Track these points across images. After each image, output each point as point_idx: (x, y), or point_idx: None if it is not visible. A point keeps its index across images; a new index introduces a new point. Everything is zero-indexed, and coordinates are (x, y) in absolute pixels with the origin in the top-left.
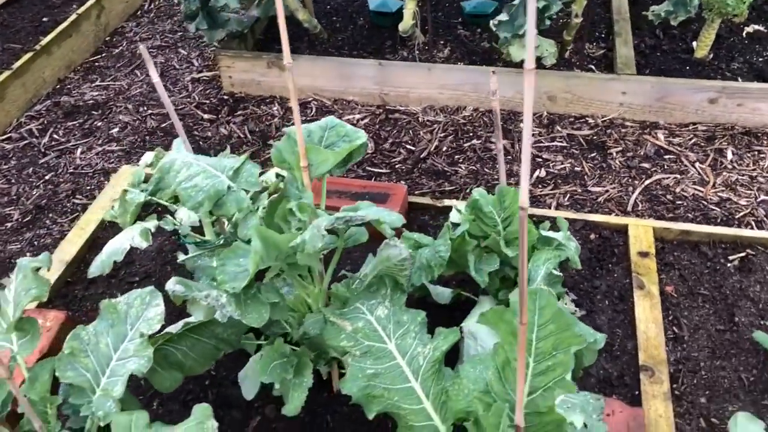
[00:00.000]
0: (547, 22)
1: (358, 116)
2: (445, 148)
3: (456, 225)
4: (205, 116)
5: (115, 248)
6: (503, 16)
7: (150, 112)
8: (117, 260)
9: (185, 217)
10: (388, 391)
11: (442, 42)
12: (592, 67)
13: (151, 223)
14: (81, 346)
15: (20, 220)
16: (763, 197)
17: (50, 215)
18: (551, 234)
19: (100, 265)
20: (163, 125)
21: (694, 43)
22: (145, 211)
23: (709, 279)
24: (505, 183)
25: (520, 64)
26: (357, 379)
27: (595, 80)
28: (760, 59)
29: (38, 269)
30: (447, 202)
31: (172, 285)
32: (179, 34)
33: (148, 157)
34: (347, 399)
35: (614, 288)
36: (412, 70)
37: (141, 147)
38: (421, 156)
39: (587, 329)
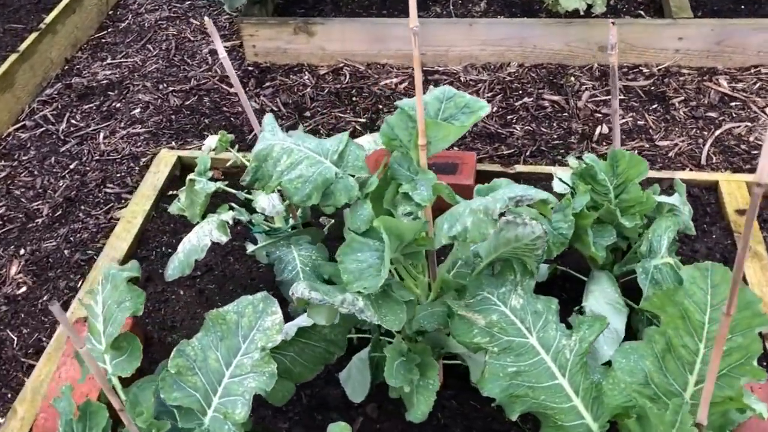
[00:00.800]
0: None
1: (395, 80)
2: (495, 109)
3: (560, 195)
4: (232, 90)
5: (193, 245)
6: None
7: (171, 89)
8: (198, 259)
9: (267, 205)
10: (533, 390)
11: None
12: (641, 12)
13: (228, 215)
14: (188, 363)
15: (51, 214)
16: None
17: (82, 207)
18: (666, 199)
19: (179, 266)
20: (188, 102)
21: None
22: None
23: None
24: (619, 146)
25: (565, 15)
26: (498, 378)
27: (650, 27)
28: None
29: (131, 279)
30: (518, 168)
31: (303, 291)
32: (188, 2)
33: (212, 141)
34: (453, 393)
35: (715, 251)
36: (451, 27)
37: (168, 128)
38: None
39: None
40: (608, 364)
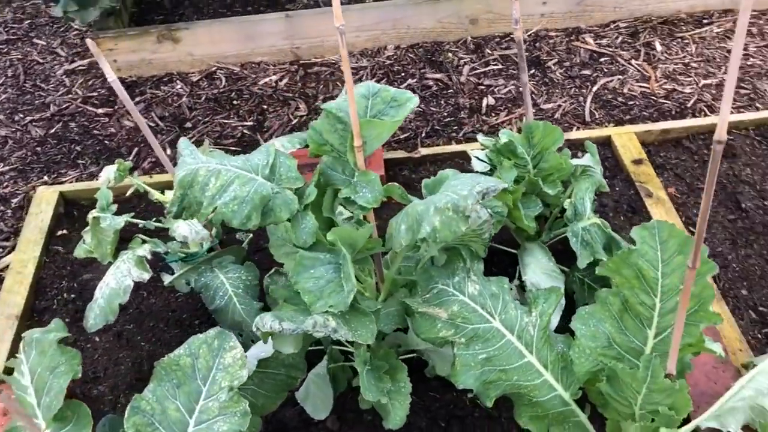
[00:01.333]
0: None
1: (274, 77)
2: None
3: (482, 174)
4: (99, 111)
5: (113, 289)
6: None
7: (29, 119)
8: (121, 303)
9: (189, 233)
10: (505, 372)
11: None
12: None
13: (144, 248)
14: (145, 420)
15: None
16: (703, 81)
17: None
18: (581, 161)
19: (101, 313)
20: (52, 131)
21: None
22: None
23: (701, 172)
24: (532, 118)
25: None
26: (470, 368)
27: None
28: None
29: (61, 340)
30: (423, 151)
31: (272, 324)
32: (27, 22)
33: (109, 171)
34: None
35: (622, 202)
36: (324, 17)
37: (36, 161)
38: None
39: None
40: (569, 332)
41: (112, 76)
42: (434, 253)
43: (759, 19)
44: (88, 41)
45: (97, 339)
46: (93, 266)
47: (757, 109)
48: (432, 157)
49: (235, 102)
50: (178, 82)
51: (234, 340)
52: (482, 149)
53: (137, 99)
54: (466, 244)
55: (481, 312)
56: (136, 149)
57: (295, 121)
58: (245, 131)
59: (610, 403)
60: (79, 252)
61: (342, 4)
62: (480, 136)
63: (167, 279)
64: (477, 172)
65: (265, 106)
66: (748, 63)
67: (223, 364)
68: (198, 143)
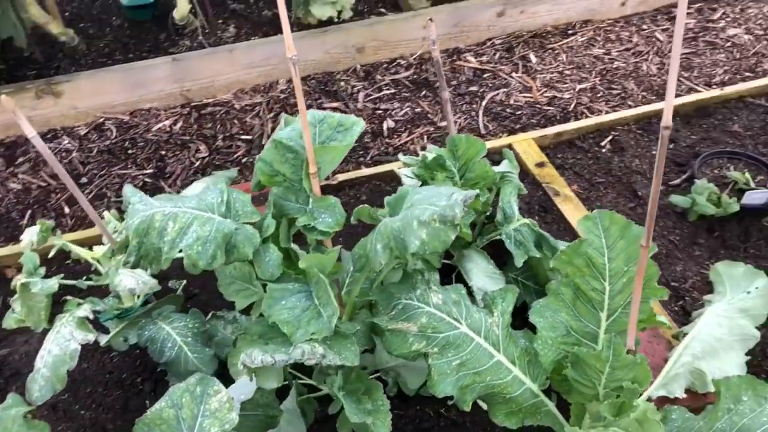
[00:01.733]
0: None
1: (167, 122)
2: None
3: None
4: None
5: (58, 356)
6: None
7: None
8: (69, 369)
9: (136, 284)
10: (479, 375)
11: (221, 21)
12: (383, 10)
13: (84, 309)
14: None
15: None
16: (579, 86)
17: None
18: (502, 168)
19: (47, 384)
20: None
21: None
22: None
23: (597, 168)
24: (455, 132)
25: (318, 24)
26: (446, 375)
27: (397, 22)
28: None
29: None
30: (340, 177)
31: (264, 357)
32: None
33: (31, 234)
34: None
35: (533, 203)
36: (212, 57)
37: None
38: (262, 143)
39: None
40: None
41: (32, 133)
42: (390, 268)
43: (614, 26)
44: (3, 97)
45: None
46: (9, 339)
47: (630, 106)
48: (349, 182)
49: (130, 151)
50: (64, 137)
51: (218, 384)
52: (404, 167)
53: (21, 160)
54: (423, 258)
55: (449, 320)
56: (29, 212)
57: (197, 163)
58: (147, 179)
59: (575, 388)
60: (9, 322)
61: (226, 43)
62: (401, 156)
63: (103, 339)
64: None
65: (163, 152)
66: (614, 66)
67: (209, 410)
68: (98, 197)
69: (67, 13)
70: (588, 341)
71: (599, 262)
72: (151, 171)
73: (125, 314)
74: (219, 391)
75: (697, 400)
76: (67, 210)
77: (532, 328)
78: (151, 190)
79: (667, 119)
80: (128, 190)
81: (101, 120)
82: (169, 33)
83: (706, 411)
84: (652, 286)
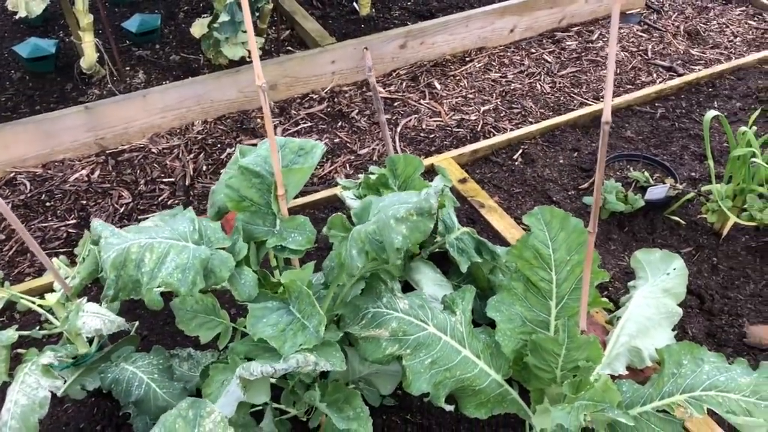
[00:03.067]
0: (257, 14)
1: (84, 172)
2: (204, 168)
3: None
4: None
5: (26, 405)
6: (224, 17)
7: None
8: (41, 417)
9: (102, 324)
10: (449, 370)
11: (128, 68)
12: (290, 48)
13: (47, 356)
14: None
15: None
16: (483, 108)
17: None
18: (436, 183)
19: None
20: None
21: (355, 5)
22: None
23: (513, 180)
24: (392, 152)
25: (228, 65)
26: (421, 374)
27: (307, 57)
28: (409, 3)
29: None
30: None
31: (263, 368)
32: None
33: None
34: None
35: (461, 215)
36: (125, 104)
37: None
38: (187, 183)
39: None
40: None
41: None
42: (355, 279)
43: (506, 52)
44: None
45: None
46: None
47: (531, 122)
48: (300, 208)
49: (48, 204)
50: None
51: (209, 405)
52: (344, 190)
53: None
54: (384, 268)
55: (417, 322)
56: None
57: (122, 210)
58: (70, 230)
59: (534, 374)
60: None
61: (137, 89)
62: (340, 180)
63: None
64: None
65: (83, 202)
66: (512, 88)
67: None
68: (20, 253)
69: None
70: (541, 329)
71: (545, 253)
72: (74, 221)
73: (82, 361)
74: (212, 411)
75: (637, 375)
76: None
77: (489, 327)
78: (76, 241)
79: (606, 116)
80: (97, 224)
81: (12, 175)
82: (75, 83)
83: (652, 379)
84: (595, 270)
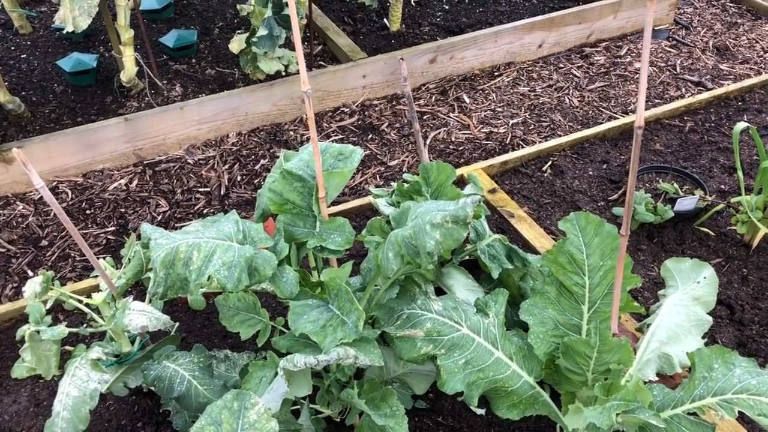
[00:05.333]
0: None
1: (123, 181)
2: (239, 178)
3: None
4: None
5: (78, 397)
6: (262, 31)
7: None
8: (91, 409)
9: (148, 321)
10: (482, 371)
11: (166, 82)
12: (322, 63)
13: (96, 351)
14: None
15: None
16: (511, 121)
17: None
18: (467, 190)
19: (69, 426)
20: None
21: (386, 21)
22: None
23: (542, 190)
24: (426, 160)
25: (266, 78)
26: (455, 374)
27: (339, 72)
28: (439, 19)
29: None
30: None
31: (308, 360)
32: None
33: (35, 284)
34: None
35: (491, 224)
36: (163, 115)
37: None
38: (222, 193)
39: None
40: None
41: (40, 183)
42: (391, 281)
43: (534, 66)
44: (15, 150)
45: None
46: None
47: (559, 135)
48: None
49: (88, 211)
50: (18, 203)
51: (254, 397)
52: (376, 198)
53: None
54: (418, 272)
55: (451, 323)
56: None
57: (159, 218)
58: (110, 237)
59: (565, 377)
60: (20, 372)
61: (174, 101)
62: (372, 188)
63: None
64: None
65: (122, 210)
66: (540, 102)
67: (248, 423)
68: (62, 258)
69: (6, 83)
70: (573, 333)
71: (579, 258)
72: (113, 228)
73: (125, 359)
74: (256, 403)
75: (667, 381)
76: (30, 273)
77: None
78: (116, 247)
79: (639, 121)
80: (146, 227)
81: (54, 184)
82: (115, 95)
83: (683, 383)
84: (627, 275)
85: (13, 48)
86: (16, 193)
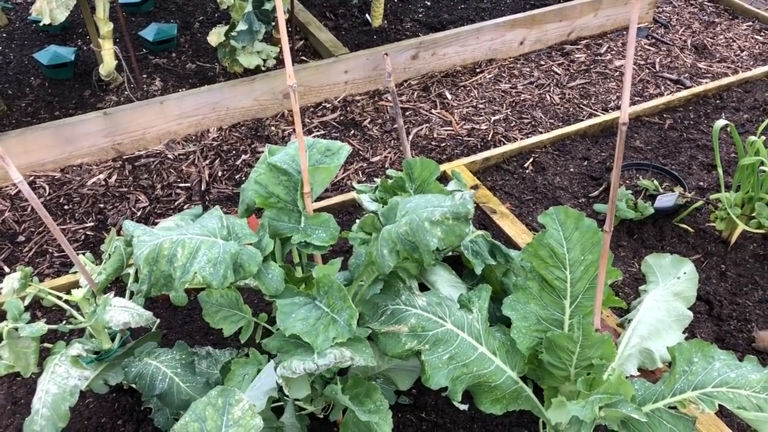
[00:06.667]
0: (272, 24)
1: (102, 176)
2: (220, 174)
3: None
4: None
5: (57, 394)
6: (242, 26)
7: None
8: (71, 405)
9: (130, 318)
10: (466, 366)
11: (145, 76)
12: (304, 58)
13: (76, 348)
14: None
15: None
16: (493, 118)
17: None
18: (452, 187)
19: (48, 423)
20: None
21: (368, 16)
22: None
23: (524, 187)
24: (410, 156)
25: (243, 74)
26: (439, 369)
27: (321, 67)
28: (421, 15)
29: None
30: None
31: (306, 365)
32: None
33: (13, 280)
34: None
35: (474, 221)
36: (143, 110)
37: None
38: (203, 188)
39: None
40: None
41: (19, 177)
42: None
43: (516, 64)
44: None
45: None
46: None
47: (540, 132)
48: None
49: (66, 207)
50: None
51: (238, 394)
52: (359, 194)
53: None
54: (402, 267)
55: (435, 319)
56: None
57: (139, 213)
58: (88, 232)
59: (548, 372)
60: None
61: (154, 96)
62: (356, 184)
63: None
64: (372, 210)
65: (101, 205)
66: (521, 98)
67: (232, 419)
68: (39, 254)
69: None
70: (555, 327)
71: (560, 252)
72: (92, 224)
73: (105, 356)
74: (240, 400)
75: (649, 376)
76: (6, 269)
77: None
78: (95, 243)
79: (624, 117)
80: (129, 224)
81: (31, 178)
82: (93, 89)
83: (663, 377)
84: (609, 269)
85: None
86: None
